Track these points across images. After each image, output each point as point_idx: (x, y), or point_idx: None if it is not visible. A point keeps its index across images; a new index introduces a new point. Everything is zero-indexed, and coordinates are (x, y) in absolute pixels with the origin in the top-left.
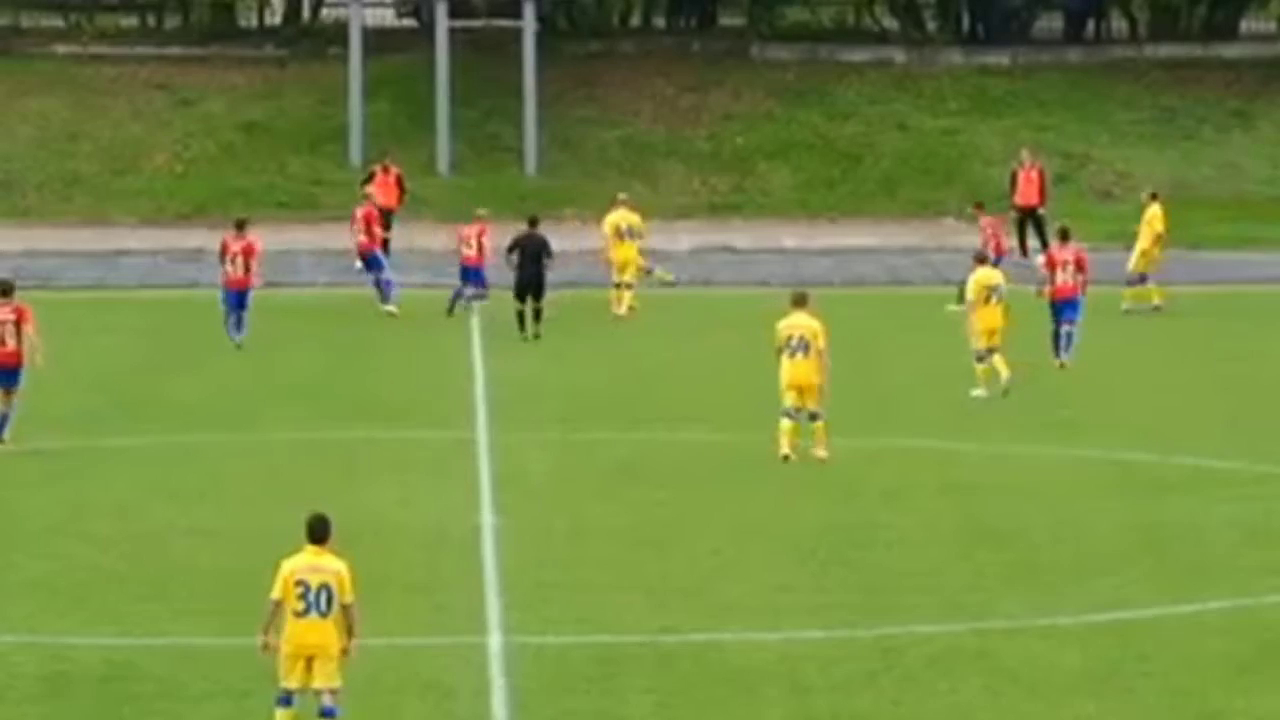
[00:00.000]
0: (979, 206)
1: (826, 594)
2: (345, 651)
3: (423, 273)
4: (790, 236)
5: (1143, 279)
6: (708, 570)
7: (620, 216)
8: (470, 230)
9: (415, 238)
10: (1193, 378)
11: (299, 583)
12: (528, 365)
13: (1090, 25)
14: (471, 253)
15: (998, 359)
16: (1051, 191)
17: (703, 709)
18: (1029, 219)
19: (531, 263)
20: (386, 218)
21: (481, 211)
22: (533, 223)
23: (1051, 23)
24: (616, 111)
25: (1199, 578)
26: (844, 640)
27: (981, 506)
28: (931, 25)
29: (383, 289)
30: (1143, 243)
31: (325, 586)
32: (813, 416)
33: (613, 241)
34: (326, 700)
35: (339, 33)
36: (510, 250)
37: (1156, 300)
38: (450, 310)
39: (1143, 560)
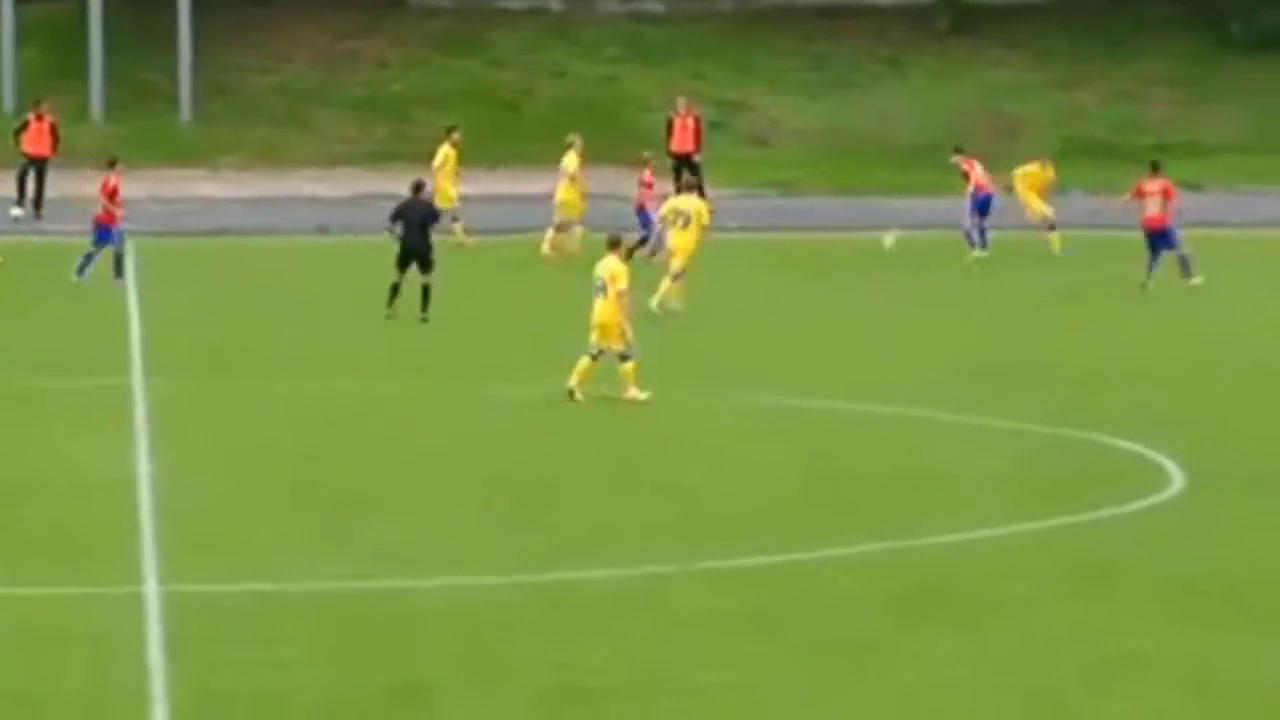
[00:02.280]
0: (959, 150)
1: (501, 540)
2: None
3: (77, 220)
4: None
5: (1052, 226)
6: (381, 520)
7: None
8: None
9: (69, 186)
10: (881, 324)
11: None
12: (187, 312)
13: None
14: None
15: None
16: (707, 139)
17: (366, 652)
18: (684, 166)
19: (418, 232)
20: (40, 166)
21: (647, 154)
22: (417, 188)
23: None
24: (272, 58)
25: (865, 520)
26: (515, 585)
27: (657, 454)
28: None
29: None
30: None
31: None
32: (623, 357)
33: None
34: None
35: None
36: (394, 219)
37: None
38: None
39: (813, 504)
